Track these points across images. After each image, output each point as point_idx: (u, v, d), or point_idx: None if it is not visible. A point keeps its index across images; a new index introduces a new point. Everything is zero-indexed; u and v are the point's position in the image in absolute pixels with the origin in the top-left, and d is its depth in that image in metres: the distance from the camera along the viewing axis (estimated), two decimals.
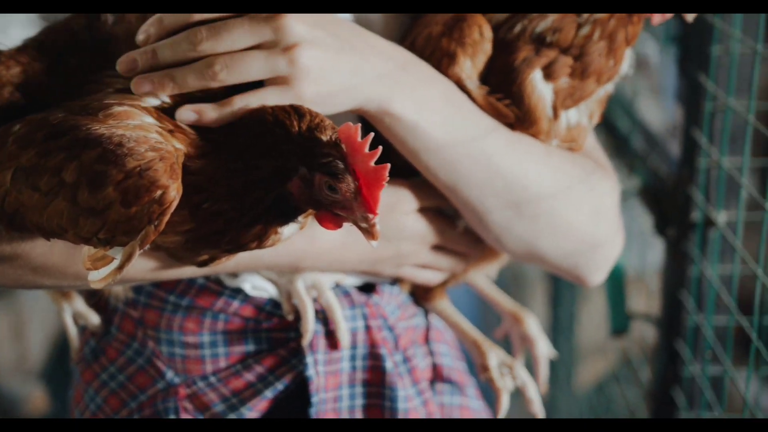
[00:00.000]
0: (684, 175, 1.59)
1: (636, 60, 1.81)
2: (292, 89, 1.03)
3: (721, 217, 1.50)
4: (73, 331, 1.36)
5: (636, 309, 1.83)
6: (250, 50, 1.03)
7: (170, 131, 1.00)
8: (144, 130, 0.97)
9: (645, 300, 1.89)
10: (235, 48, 1.03)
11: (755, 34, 1.39)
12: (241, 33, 1.02)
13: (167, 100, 1.04)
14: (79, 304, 1.34)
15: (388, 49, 1.11)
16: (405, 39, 1.20)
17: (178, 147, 0.98)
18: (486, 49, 1.15)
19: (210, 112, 1.03)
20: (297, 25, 1.03)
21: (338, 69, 1.05)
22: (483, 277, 1.45)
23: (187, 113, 1.02)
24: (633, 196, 1.82)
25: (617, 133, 1.99)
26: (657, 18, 1.18)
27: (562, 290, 2.67)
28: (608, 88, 1.19)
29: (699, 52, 1.49)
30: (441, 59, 1.14)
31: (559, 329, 2.68)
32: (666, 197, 1.66)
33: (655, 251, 1.83)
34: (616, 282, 1.80)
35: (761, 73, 1.41)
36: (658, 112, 1.98)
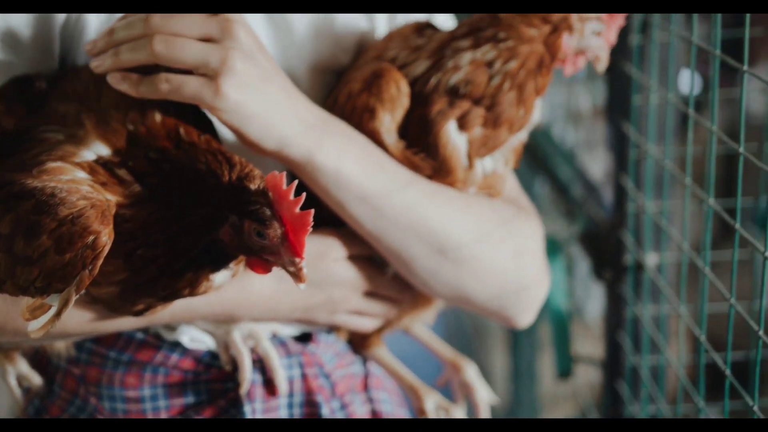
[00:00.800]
0: (616, 220, 1.65)
1: (575, 112, 1.88)
2: (215, 83, 1.07)
3: (651, 259, 1.55)
4: (17, 392, 1.38)
5: (582, 352, 1.87)
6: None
7: (103, 183, 1.05)
8: (76, 183, 1.01)
9: (591, 343, 1.93)
10: (181, 32, 1.08)
11: (669, 83, 1.46)
12: (190, 22, 1.08)
13: (103, 153, 1.08)
14: (23, 366, 1.36)
15: (313, 105, 1.17)
16: (329, 97, 1.26)
17: (109, 198, 1.03)
18: (403, 102, 1.21)
19: (127, 82, 1.08)
20: (243, 33, 1.09)
21: (265, 91, 1.10)
22: (422, 326, 1.49)
23: (114, 77, 1.08)
24: (574, 241, 1.87)
25: (558, 182, 2.05)
26: (569, 69, 1.25)
27: (521, 340, 2.71)
28: (521, 136, 1.25)
29: (621, 102, 1.56)
30: (362, 114, 1.20)
31: (520, 378, 2.71)
32: (602, 242, 1.71)
33: (598, 295, 1.89)
34: (561, 326, 1.85)
35: (677, 120, 1.48)
36: (597, 162, 2.04)
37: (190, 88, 1.07)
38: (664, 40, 1.46)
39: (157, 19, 1.08)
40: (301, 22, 1.30)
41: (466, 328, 3.28)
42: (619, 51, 1.53)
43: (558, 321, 1.82)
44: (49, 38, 1.19)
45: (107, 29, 1.11)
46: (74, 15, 1.19)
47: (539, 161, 2.16)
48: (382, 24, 1.38)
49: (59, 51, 1.20)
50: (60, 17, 1.18)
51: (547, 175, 2.10)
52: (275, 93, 1.11)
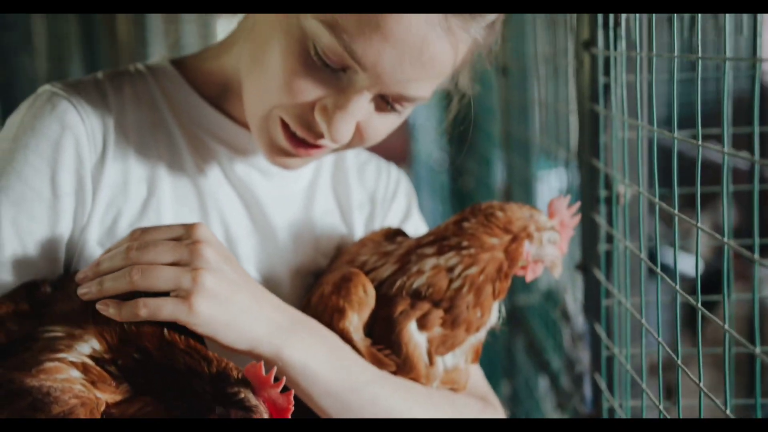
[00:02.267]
0: (593, 413, 1.72)
1: (562, 310, 1.99)
2: (187, 302, 1.16)
3: None
4: None
5: None
6: (167, 265, 1.19)
7: (93, 382, 1.16)
8: (70, 382, 1.13)
9: None
10: (157, 261, 1.19)
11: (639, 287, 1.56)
12: (163, 250, 1.19)
13: (98, 348, 1.21)
14: None
15: (282, 305, 1.28)
16: (303, 297, 1.39)
17: (99, 396, 1.14)
18: (370, 304, 1.32)
19: (112, 308, 1.18)
20: (210, 252, 1.20)
21: (234, 301, 1.20)
22: None
23: (101, 305, 1.19)
24: None
25: (550, 371, 2.13)
26: (529, 275, 1.37)
27: None
28: (480, 336, 1.36)
29: (594, 304, 1.66)
30: (332, 314, 1.31)
31: None
32: None
33: None
34: None
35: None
36: (585, 355, 2.12)
37: (166, 310, 1.17)
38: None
39: (134, 252, 1.20)
40: (284, 229, 1.45)
41: None
42: (591, 258, 1.65)
43: None
44: (55, 250, 1.32)
45: (94, 261, 1.24)
46: (77, 231, 1.32)
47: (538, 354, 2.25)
48: (359, 230, 1.53)
49: (64, 260, 1.33)
50: (66, 233, 1.32)
51: (539, 364, 2.19)
52: (245, 301, 1.21)
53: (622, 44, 1.52)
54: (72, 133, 1.31)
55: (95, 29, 5.03)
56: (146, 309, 1.17)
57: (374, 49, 1.19)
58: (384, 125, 1.32)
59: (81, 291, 1.21)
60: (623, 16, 1.52)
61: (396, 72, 1.22)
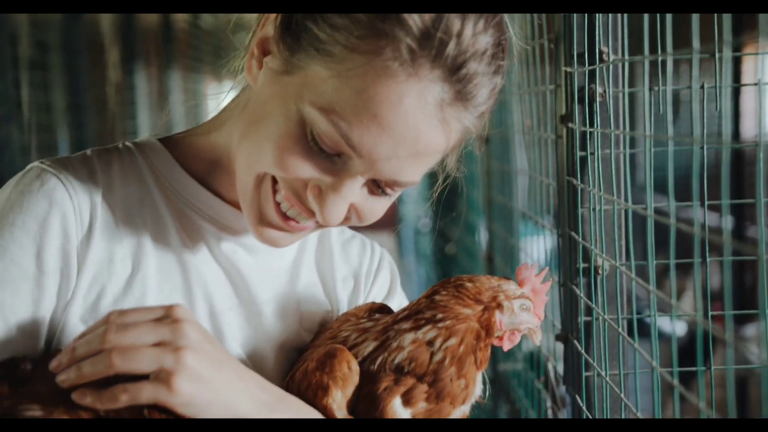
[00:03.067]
0: None
1: (545, 379, 1.99)
2: (168, 383, 1.14)
3: None
4: None
5: None
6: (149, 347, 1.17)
7: None
8: None
9: None
10: (137, 343, 1.16)
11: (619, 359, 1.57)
12: (143, 330, 1.18)
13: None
14: None
15: (264, 383, 1.27)
16: (287, 372, 1.39)
17: None
18: (354, 380, 1.32)
19: (90, 397, 1.16)
20: (191, 331, 1.19)
21: (217, 378, 1.19)
22: None
23: (78, 394, 1.17)
24: None
25: None
26: (506, 345, 1.38)
27: None
28: (464, 409, 1.35)
29: (575, 374, 1.67)
30: (316, 390, 1.30)
31: None
32: None
33: None
34: None
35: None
36: None
37: (147, 392, 1.14)
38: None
39: (113, 335, 1.18)
40: (269, 304, 1.46)
41: None
42: (571, 329, 1.66)
43: None
44: (38, 328, 1.30)
45: (68, 346, 1.21)
46: (60, 307, 1.32)
47: None
48: (343, 305, 1.54)
49: (46, 336, 1.31)
50: (49, 309, 1.31)
51: None
52: (228, 378, 1.20)
53: (597, 120, 1.56)
54: (59, 210, 1.31)
55: (84, 100, 5.09)
56: (126, 395, 1.15)
57: (371, 138, 1.22)
58: (379, 206, 1.35)
59: (59, 378, 1.19)
60: (599, 90, 1.56)
61: (391, 160, 1.24)
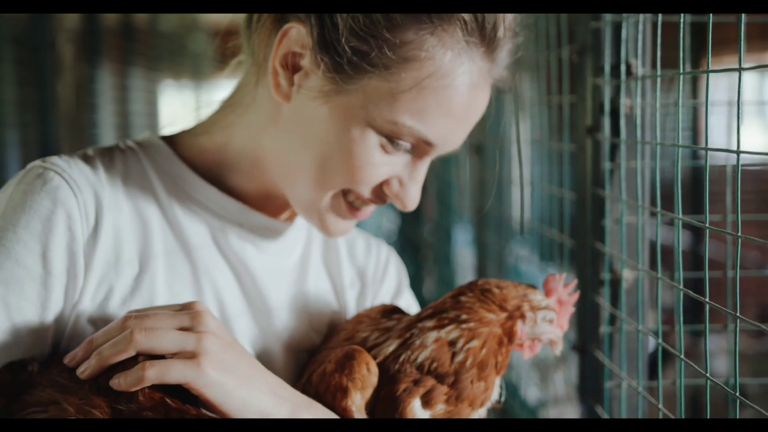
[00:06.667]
0: None
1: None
2: (195, 363, 1.14)
3: None
4: None
5: None
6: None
7: None
8: None
9: None
10: (157, 326, 1.16)
11: (639, 372, 1.59)
12: (163, 317, 1.17)
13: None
14: None
15: (283, 383, 1.25)
16: (302, 375, 1.37)
17: None
18: (373, 382, 1.31)
19: (121, 379, 1.14)
20: (212, 321, 1.19)
21: (238, 370, 1.18)
22: None
23: (113, 381, 1.15)
24: None
25: None
26: (526, 353, 1.38)
27: None
28: (481, 413, 1.35)
29: (595, 387, 1.67)
30: (335, 393, 1.29)
31: None
32: None
33: None
34: None
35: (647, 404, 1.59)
36: None
37: (176, 370, 1.14)
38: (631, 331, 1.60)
39: (132, 319, 1.18)
40: (278, 304, 1.44)
41: None
42: (591, 339, 1.67)
43: None
44: (45, 329, 1.27)
45: (86, 341, 1.19)
46: (68, 308, 1.29)
47: None
48: (351, 307, 1.53)
49: (54, 337, 1.29)
50: (57, 310, 1.28)
51: None
52: (248, 370, 1.20)
53: (622, 132, 1.57)
54: (64, 209, 1.28)
55: None
56: (154, 370, 1.13)
57: (445, 127, 1.31)
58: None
59: (79, 371, 1.17)
60: (627, 103, 1.57)
61: (457, 137, 1.35)
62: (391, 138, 1.30)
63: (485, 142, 2.67)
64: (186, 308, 1.20)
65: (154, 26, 7.29)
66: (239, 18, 1.42)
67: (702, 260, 1.25)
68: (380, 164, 1.31)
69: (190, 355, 1.15)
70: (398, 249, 5.14)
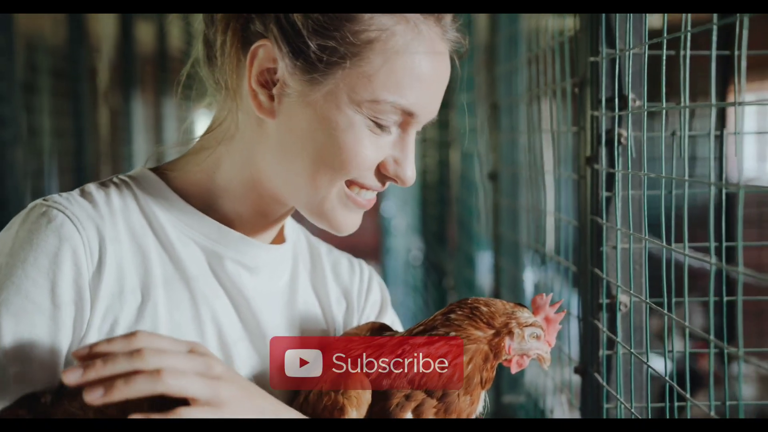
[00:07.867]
0: None
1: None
2: (220, 411, 1.21)
3: None
4: None
5: None
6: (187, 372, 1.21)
7: None
8: None
9: None
10: (171, 349, 1.20)
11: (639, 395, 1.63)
12: (183, 359, 1.21)
13: None
14: None
15: (287, 407, 1.34)
16: (298, 395, 1.43)
17: None
18: (367, 398, 1.37)
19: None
20: (218, 365, 1.24)
21: (253, 398, 1.26)
22: None
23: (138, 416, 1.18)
24: None
25: None
26: (513, 368, 1.44)
27: None
28: None
29: (595, 408, 1.72)
30: (332, 411, 1.36)
31: None
32: None
33: None
34: None
35: None
36: None
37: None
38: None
39: (153, 357, 1.19)
40: (274, 329, 1.50)
41: None
42: (592, 362, 1.72)
43: None
44: (56, 361, 1.32)
45: (88, 363, 1.19)
46: (76, 341, 1.34)
47: None
48: (339, 326, 1.60)
49: (63, 369, 1.31)
50: (66, 343, 1.33)
51: None
52: (261, 399, 1.28)
53: (618, 163, 1.63)
54: (70, 245, 1.34)
55: None
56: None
57: (422, 97, 1.40)
58: None
59: (89, 397, 1.17)
60: (623, 134, 1.63)
61: (432, 104, 1.43)
62: (377, 119, 1.37)
63: (499, 169, 2.74)
64: (195, 351, 1.24)
65: (189, 55, 7.45)
66: (196, 61, 1.50)
67: (733, 284, 1.27)
68: (373, 147, 1.39)
69: (211, 404, 1.21)
70: (423, 275, 5.21)
